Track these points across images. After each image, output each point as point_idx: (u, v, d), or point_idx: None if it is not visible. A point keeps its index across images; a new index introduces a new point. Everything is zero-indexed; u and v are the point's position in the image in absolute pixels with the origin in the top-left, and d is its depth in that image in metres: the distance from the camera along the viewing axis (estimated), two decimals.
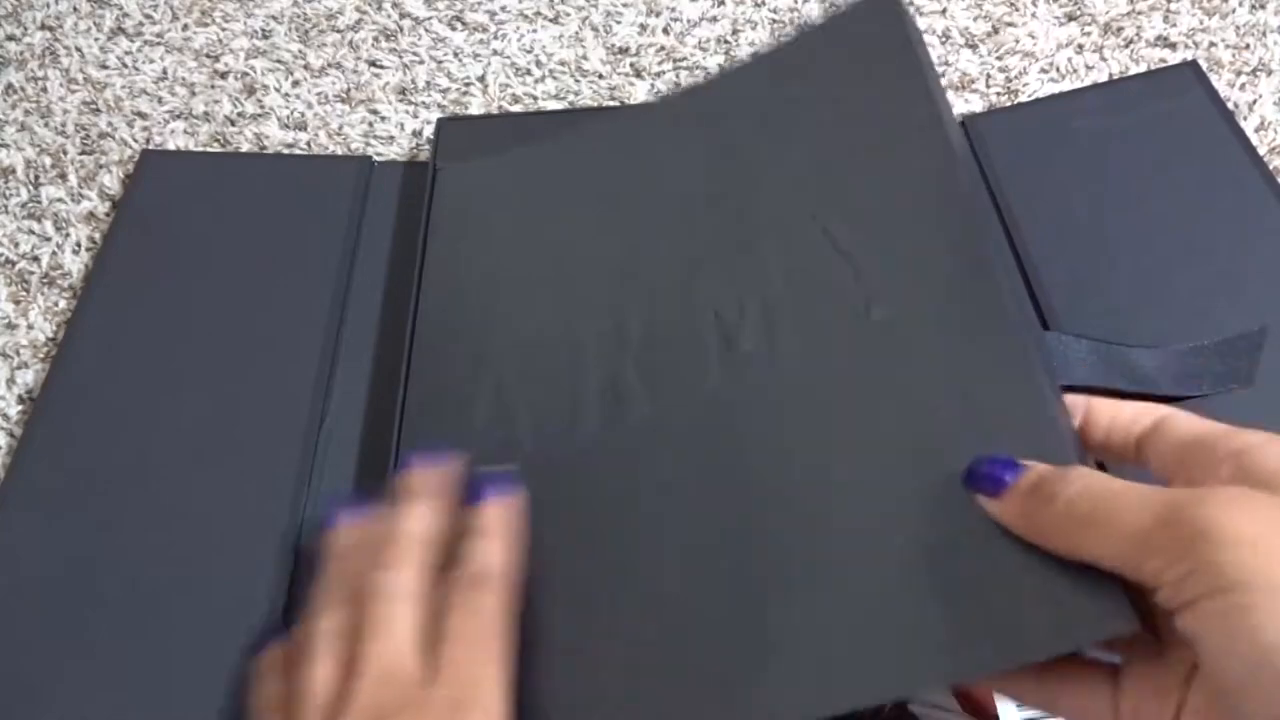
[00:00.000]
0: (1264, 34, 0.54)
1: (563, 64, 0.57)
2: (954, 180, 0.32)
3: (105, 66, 0.58)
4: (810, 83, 0.37)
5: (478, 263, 0.41)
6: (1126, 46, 0.54)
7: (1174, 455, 0.24)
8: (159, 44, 0.59)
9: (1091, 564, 0.23)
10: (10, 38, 0.59)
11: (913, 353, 0.30)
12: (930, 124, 0.33)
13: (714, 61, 0.56)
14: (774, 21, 0.58)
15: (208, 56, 0.58)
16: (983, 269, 0.30)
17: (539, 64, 0.57)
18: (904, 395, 0.29)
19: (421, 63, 0.57)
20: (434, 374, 0.38)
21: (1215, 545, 0.20)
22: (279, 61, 0.58)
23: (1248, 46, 0.53)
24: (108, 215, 0.51)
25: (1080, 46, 0.55)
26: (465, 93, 0.56)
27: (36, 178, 0.53)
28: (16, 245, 0.50)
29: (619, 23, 0.58)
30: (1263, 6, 0.55)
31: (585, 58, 0.57)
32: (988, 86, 0.53)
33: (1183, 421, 0.25)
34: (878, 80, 0.36)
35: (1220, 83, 0.51)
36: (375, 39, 0.58)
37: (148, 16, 0.60)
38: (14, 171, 0.53)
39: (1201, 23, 0.55)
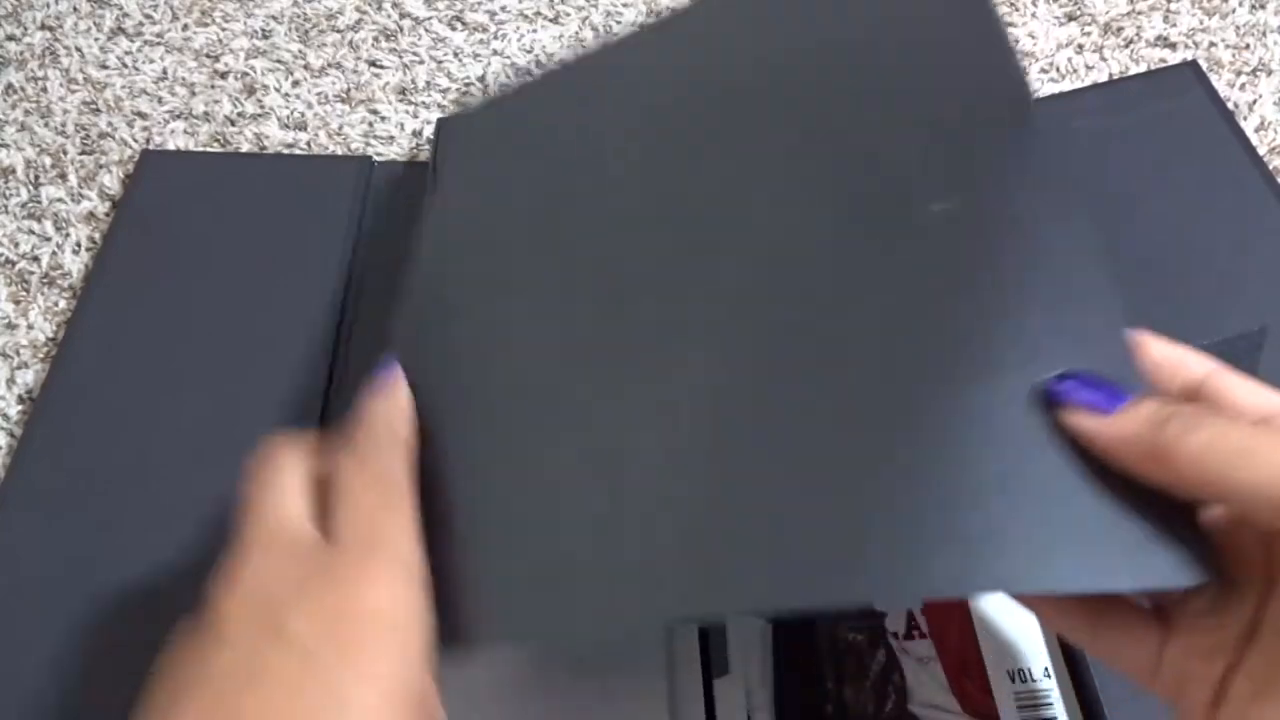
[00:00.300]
0: (1264, 34, 0.54)
1: None
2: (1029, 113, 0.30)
3: (105, 66, 0.58)
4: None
5: (498, 189, 0.37)
6: (1126, 46, 0.54)
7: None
8: (159, 44, 0.59)
9: (1221, 501, 0.22)
10: (10, 38, 0.59)
11: (978, 251, 0.27)
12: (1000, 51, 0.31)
13: None
14: None
15: (208, 56, 0.58)
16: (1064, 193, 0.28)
17: (539, 64, 0.57)
18: (966, 291, 0.27)
19: (421, 63, 0.57)
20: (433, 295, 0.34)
21: None
22: (279, 61, 0.58)
23: (1248, 46, 0.53)
24: (108, 215, 0.51)
25: (1080, 46, 0.55)
26: (465, 93, 0.56)
27: (36, 178, 0.53)
28: (16, 245, 0.50)
29: (619, 23, 0.58)
30: (1263, 6, 0.55)
31: None
32: None
33: (1237, 385, 0.24)
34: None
35: (1220, 83, 0.51)
36: (375, 39, 0.58)
37: (148, 16, 0.60)
38: (14, 171, 0.53)
39: (1201, 23, 0.55)
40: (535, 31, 0.58)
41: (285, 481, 0.26)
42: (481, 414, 0.29)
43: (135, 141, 0.54)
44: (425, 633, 0.24)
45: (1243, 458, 0.20)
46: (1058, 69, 0.54)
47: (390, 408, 0.28)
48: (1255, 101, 0.51)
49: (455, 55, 0.57)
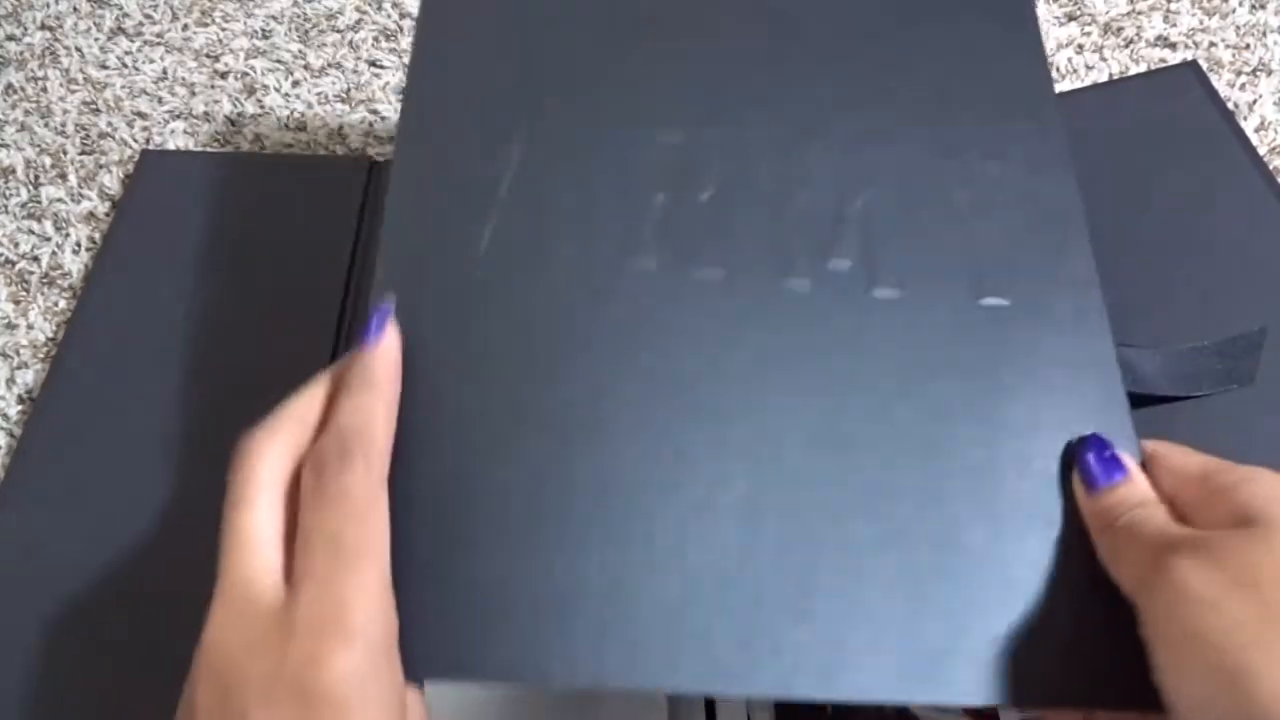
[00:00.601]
0: (1264, 34, 0.54)
1: None
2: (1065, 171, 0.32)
3: (105, 66, 0.58)
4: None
5: (498, 20, 0.34)
6: (1126, 46, 0.54)
7: (1167, 492, 0.27)
8: (159, 44, 0.59)
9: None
10: (10, 38, 0.59)
11: (1012, 346, 0.29)
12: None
13: None
14: None
15: (208, 56, 0.58)
16: (1087, 272, 0.31)
17: None
18: (993, 387, 0.29)
19: None
20: (429, 161, 0.32)
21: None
22: (279, 61, 0.58)
23: (1248, 46, 0.53)
24: (108, 215, 0.51)
25: (1080, 46, 0.55)
26: None
27: (36, 178, 0.53)
28: (16, 245, 0.50)
29: None
30: (1263, 6, 0.55)
31: None
32: None
33: (1175, 458, 0.27)
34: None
35: (1220, 83, 0.51)
36: (375, 39, 0.58)
37: (148, 16, 0.60)
38: (14, 171, 0.53)
39: (1201, 23, 0.55)
40: None
41: (257, 519, 0.24)
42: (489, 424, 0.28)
43: (135, 141, 0.54)
44: (390, 702, 0.23)
45: (1113, 554, 0.26)
46: (1058, 69, 0.54)
47: (381, 403, 0.27)
48: (1255, 101, 0.51)
49: None
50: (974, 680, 0.25)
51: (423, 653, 0.25)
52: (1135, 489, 0.26)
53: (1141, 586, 0.24)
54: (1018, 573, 0.26)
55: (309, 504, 0.24)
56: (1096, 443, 0.28)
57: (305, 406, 0.27)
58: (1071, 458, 0.28)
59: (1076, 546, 0.27)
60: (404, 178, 0.31)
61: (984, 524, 0.27)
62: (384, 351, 0.28)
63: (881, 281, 0.30)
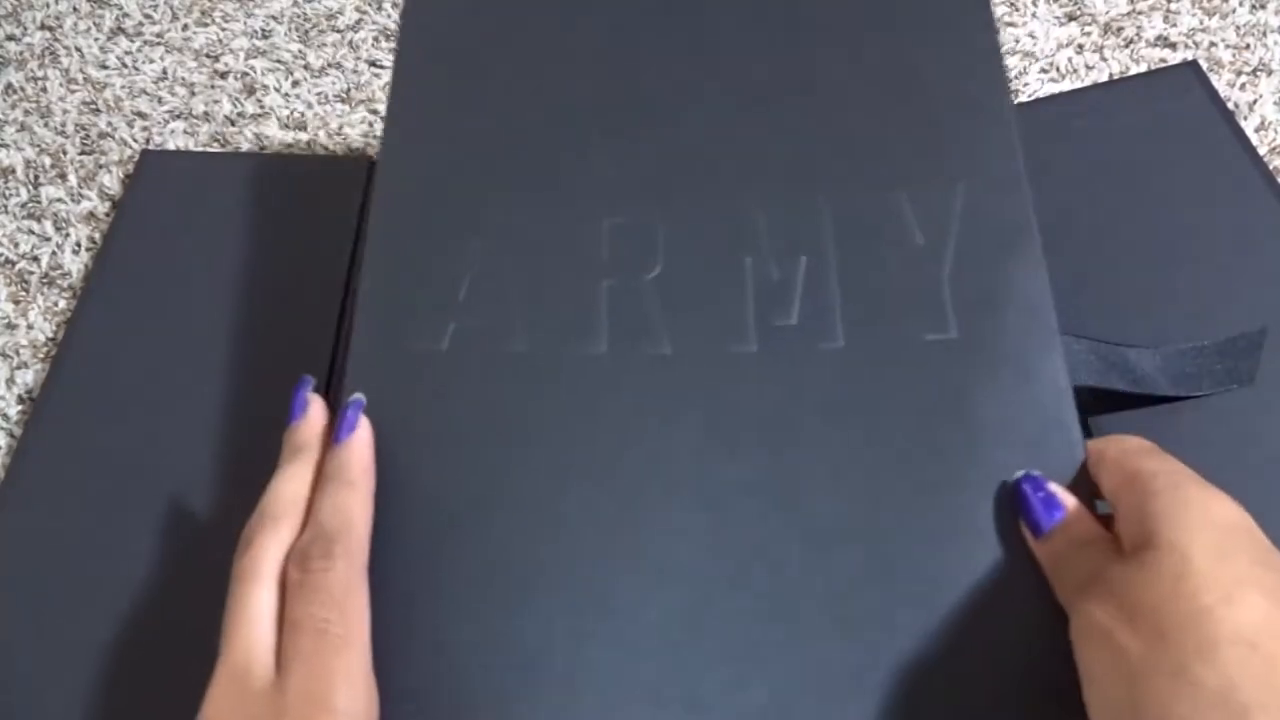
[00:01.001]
0: (1264, 34, 0.54)
1: None
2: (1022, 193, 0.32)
3: (105, 66, 0.58)
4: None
5: (456, 116, 0.36)
6: (1126, 46, 0.54)
7: (1109, 492, 0.27)
8: (159, 44, 0.59)
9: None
10: (10, 38, 0.59)
11: (957, 378, 0.29)
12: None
13: None
14: None
15: (208, 56, 0.58)
16: (1043, 306, 0.31)
17: None
18: (953, 428, 0.29)
19: None
20: (396, 263, 0.34)
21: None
22: (279, 61, 0.58)
23: (1248, 46, 0.53)
24: (108, 215, 0.51)
25: (1080, 46, 0.55)
26: None
27: (36, 178, 0.53)
28: (16, 245, 0.50)
29: None
30: (1263, 6, 0.55)
31: None
32: None
33: (1110, 458, 0.27)
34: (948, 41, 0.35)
35: (1220, 83, 0.51)
36: (375, 39, 0.58)
37: (148, 16, 0.60)
38: (14, 171, 0.53)
39: (1201, 23, 0.55)
40: None
41: (259, 598, 0.27)
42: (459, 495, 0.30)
43: (135, 141, 0.54)
44: None
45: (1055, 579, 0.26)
46: (1058, 69, 0.54)
47: (361, 497, 0.29)
48: (1255, 101, 0.51)
49: None
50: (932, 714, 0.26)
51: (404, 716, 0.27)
52: (1077, 528, 0.26)
53: (1072, 624, 0.25)
54: (975, 603, 0.27)
55: (295, 595, 0.26)
56: (1032, 483, 0.27)
57: (296, 492, 0.29)
58: (1015, 498, 0.28)
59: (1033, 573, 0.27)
60: (374, 277, 0.33)
61: (935, 562, 0.27)
62: (359, 448, 0.30)
63: (826, 334, 0.31)
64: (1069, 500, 0.27)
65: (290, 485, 0.29)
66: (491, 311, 0.32)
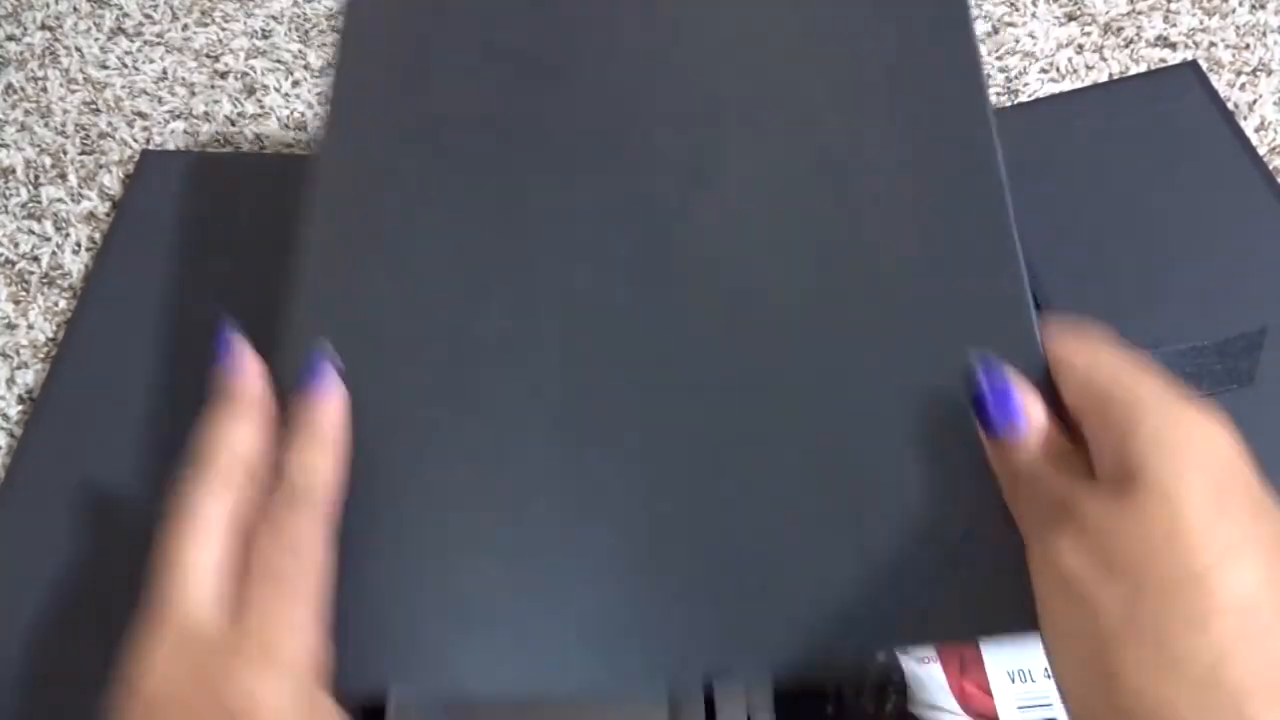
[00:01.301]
0: (1264, 34, 0.54)
1: None
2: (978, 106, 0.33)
3: (105, 66, 0.58)
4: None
5: (396, 113, 0.36)
6: (1126, 46, 0.54)
7: (1071, 405, 0.24)
8: (159, 44, 0.59)
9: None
10: (10, 38, 0.59)
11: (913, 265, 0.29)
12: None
13: None
14: None
15: (208, 56, 0.58)
16: (991, 171, 0.31)
17: None
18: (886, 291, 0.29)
19: None
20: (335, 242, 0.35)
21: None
22: (279, 61, 0.58)
23: (1248, 46, 0.53)
24: (108, 215, 0.51)
25: (1080, 46, 0.55)
26: None
27: (36, 178, 0.53)
28: (16, 245, 0.50)
29: None
30: (1263, 6, 0.55)
31: None
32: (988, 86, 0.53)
33: (1078, 368, 0.24)
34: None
35: (1220, 83, 0.51)
36: None
37: (148, 16, 0.60)
38: (14, 171, 0.53)
39: (1201, 23, 0.55)
40: None
41: (198, 547, 0.25)
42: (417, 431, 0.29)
43: (135, 141, 0.54)
44: None
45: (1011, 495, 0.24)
46: (1058, 69, 0.54)
47: (331, 455, 0.27)
48: (1255, 101, 0.51)
49: None
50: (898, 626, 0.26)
51: (357, 667, 0.26)
52: (1039, 438, 0.24)
53: (1031, 560, 0.23)
54: (926, 509, 0.26)
55: (258, 548, 0.25)
56: (987, 371, 0.25)
57: (234, 442, 0.27)
58: (967, 387, 0.25)
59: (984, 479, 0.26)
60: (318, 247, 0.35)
61: (889, 467, 0.27)
62: (332, 403, 0.28)
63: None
64: (1032, 405, 0.24)
65: (227, 435, 0.27)
66: (432, 286, 0.32)
